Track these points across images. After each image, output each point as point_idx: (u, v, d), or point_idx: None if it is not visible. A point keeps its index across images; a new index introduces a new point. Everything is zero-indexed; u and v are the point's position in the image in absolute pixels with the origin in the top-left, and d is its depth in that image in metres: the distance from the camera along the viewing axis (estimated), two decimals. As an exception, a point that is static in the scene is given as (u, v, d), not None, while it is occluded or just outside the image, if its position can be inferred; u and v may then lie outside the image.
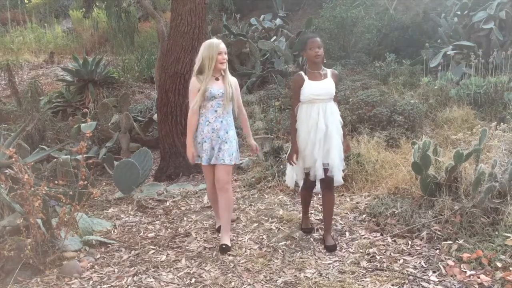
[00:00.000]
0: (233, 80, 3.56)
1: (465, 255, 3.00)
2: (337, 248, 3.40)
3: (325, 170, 3.31)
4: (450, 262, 3.02)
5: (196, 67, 3.48)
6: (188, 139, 3.54)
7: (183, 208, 4.48)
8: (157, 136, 6.26)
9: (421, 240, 3.39)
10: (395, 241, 3.44)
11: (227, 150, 3.46)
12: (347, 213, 4.01)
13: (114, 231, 4.04)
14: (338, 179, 3.40)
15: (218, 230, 3.72)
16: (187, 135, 3.56)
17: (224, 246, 3.44)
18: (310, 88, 3.28)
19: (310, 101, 3.29)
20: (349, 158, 4.42)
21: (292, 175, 3.54)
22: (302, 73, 3.37)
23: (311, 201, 3.85)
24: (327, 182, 3.36)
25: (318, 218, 3.95)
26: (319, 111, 3.28)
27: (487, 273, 2.83)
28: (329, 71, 3.38)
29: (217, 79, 3.47)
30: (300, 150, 3.37)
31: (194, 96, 3.47)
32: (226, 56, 3.47)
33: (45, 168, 4.84)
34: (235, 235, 3.76)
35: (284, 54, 8.41)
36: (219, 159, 3.46)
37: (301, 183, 3.58)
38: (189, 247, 3.61)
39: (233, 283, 3.03)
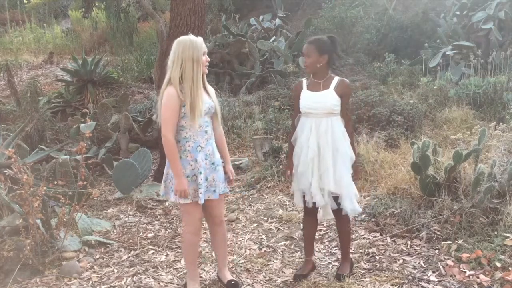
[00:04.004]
0: (212, 90, 2.83)
1: (465, 255, 3.00)
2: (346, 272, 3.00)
3: (335, 197, 2.86)
4: (450, 262, 3.02)
5: (173, 73, 2.65)
6: (177, 166, 2.61)
7: (182, 208, 4.48)
8: (157, 136, 6.25)
9: (420, 240, 3.39)
10: (394, 241, 3.44)
11: (219, 177, 2.80)
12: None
13: (113, 231, 4.04)
14: (349, 207, 2.86)
15: None
16: (174, 161, 2.61)
17: (233, 282, 2.93)
18: (304, 99, 2.86)
19: (305, 113, 2.87)
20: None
21: (298, 194, 3.04)
22: (304, 80, 2.95)
23: None
24: (336, 210, 2.92)
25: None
26: (312, 127, 2.83)
27: (487, 273, 2.83)
28: (335, 81, 2.84)
29: None
30: (294, 167, 2.96)
31: (172, 114, 2.57)
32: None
33: (44, 169, 4.83)
34: (234, 235, 3.76)
35: (284, 54, 8.40)
36: (212, 190, 2.74)
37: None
38: (188, 247, 3.60)
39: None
